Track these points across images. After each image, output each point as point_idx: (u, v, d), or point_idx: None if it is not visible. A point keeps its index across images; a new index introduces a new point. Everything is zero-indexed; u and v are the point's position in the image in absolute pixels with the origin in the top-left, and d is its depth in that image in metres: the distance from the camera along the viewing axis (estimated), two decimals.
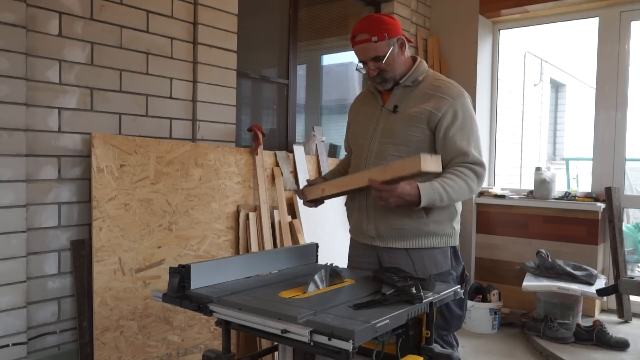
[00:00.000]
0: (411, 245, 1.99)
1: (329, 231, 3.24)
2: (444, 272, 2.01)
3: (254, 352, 2.03)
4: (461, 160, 1.94)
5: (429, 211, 1.95)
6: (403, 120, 1.99)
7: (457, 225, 2.07)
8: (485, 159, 2.00)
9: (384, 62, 1.95)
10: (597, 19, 4.27)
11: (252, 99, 3.52)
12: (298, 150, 3.29)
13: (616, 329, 3.73)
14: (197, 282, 1.69)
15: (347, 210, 2.20)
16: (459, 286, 1.94)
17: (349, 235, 2.24)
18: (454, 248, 2.07)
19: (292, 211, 3.15)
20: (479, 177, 1.94)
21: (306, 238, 3.06)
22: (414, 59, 2.08)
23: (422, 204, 1.82)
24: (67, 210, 2.32)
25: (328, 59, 4.45)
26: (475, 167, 1.94)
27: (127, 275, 2.38)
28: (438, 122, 1.94)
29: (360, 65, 2.05)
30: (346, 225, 2.23)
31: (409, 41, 2.02)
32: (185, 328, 2.59)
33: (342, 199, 2.26)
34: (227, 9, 2.93)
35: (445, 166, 1.96)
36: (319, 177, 2.28)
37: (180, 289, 1.65)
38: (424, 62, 2.11)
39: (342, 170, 2.32)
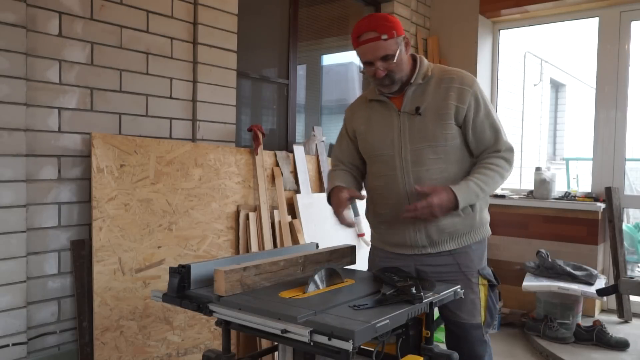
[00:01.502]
0: (463, 243, 1.98)
1: (329, 231, 3.24)
2: (485, 266, 2.03)
3: (254, 352, 2.03)
4: (493, 150, 1.94)
5: (474, 204, 1.96)
6: (432, 119, 1.91)
7: (488, 213, 2.10)
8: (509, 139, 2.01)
9: (394, 61, 1.85)
10: (597, 19, 4.27)
11: (252, 99, 3.52)
12: (298, 150, 3.29)
13: (616, 329, 3.73)
14: (197, 282, 1.69)
15: (379, 224, 2.09)
16: (495, 283, 2.03)
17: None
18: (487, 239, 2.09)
19: (292, 211, 3.15)
20: (510, 163, 1.96)
21: (306, 238, 3.06)
22: (413, 58, 2.01)
23: (460, 206, 1.84)
24: (67, 210, 2.32)
25: (328, 59, 4.45)
26: (507, 154, 1.95)
27: (127, 275, 2.38)
28: (465, 114, 1.91)
29: (363, 68, 1.92)
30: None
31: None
32: (185, 328, 2.59)
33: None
34: (227, 9, 2.93)
35: (477, 156, 1.97)
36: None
37: (180, 289, 1.66)
38: (424, 57, 2.03)
39: (354, 184, 2.12)
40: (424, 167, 1.92)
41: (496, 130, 1.95)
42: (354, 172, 2.16)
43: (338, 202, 1.95)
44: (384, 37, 1.83)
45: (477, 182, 1.87)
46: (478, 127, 1.93)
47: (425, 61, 2.00)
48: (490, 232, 2.09)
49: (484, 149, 1.96)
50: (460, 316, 1.97)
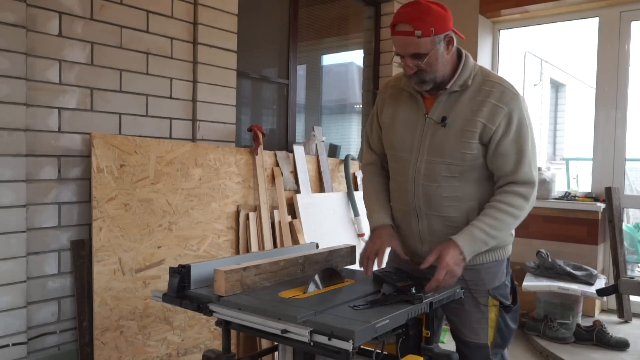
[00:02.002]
0: (472, 262, 1.80)
1: (329, 231, 3.24)
2: (500, 285, 1.86)
3: (254, 352, 2.03)
4: (508, 181, 1.74)
5: None
6: (454, 135, 1.73)
7: (513, 231, 1.89)
8: (536, 171, 1.78)
9: (424, 61, 1.67)
10: (597, 19, 4.27)
11: (252, 99, 3.52)
12: (298, 150, 3.29)
13: (616, 329, 3.73)
14: (197, 282, 1.69)
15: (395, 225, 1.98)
16: (510, 299, 1.88)
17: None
18: (508, 258, 1.92)
19: (292, 211, 3.15)
20: (527, 199, 1.73)
21: (306, 238, 3.06)
22: (459, 54, 1.80)
23: (467, 259, 1.69)
24: (67, 210, 2.32)
25: (328, 59, 4.45)
26: (523, 189, 1.73)
27: (127, 275, 2.38)
28: (492, 135, 1.71)
29: (397, 58, 1.75)
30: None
31: (458, 35, 1.75)
32: (185, 328, 2.59)
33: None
34: (227, 9, 2.93)
35: (496, 179, 1.79)
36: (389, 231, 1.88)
37: (180, 289, 1.65)
38: (470, 57, 1.81)
39: (388, 203, 1.99)
40: (435, 183, 1.77)
41: (519, 160, 1.72)
42: (386, 166, 2.00)
43: (374, 253, 1.82)
44: (418, 33, 1.63)
45: (484, 227, 1.69)
46: (501, 152, 1.72)
47: (470, 65, 1.79)
48: (510, 252, 1.91)
49: (500, 175, 1.76)
50: (464, 333, 1.87)
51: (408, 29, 1.65)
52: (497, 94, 1.72)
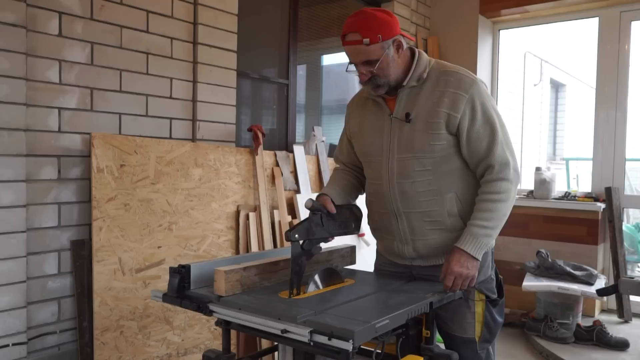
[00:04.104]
0: None
1: None
2: (486, 279, 1.88)
3: (254, 352, 2.03)
4: (485, 166, 1.77)
5: (466, 218, 1.80)
6: (421, 129, 1.76)
7: None
8: (513, 149, 1.81)
9: (375, 67, 1.72)
10: (597, 19, 4.27)
11: (252, 99, 3.52)
12: (298, 150, 3.29)
13: (616, 329, 3.73)
14: (197, 282, 1.69)
15: (374, 230, 2.02)
16: (497, 295, 1.89)
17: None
18: (492, 251, 1.93)
19: (292, 211, 3.15)
20: (510, 180, 1.75)
21: None
22: (412, 53, 1.83)
23: (478, 256, 1.73)
24: (67, 210, 2.32)
25: (328, 59, 4.46)
26: (501, 173, 1.75)
27: (127, 275, 2.38)
28: (458, 124, 1.74)
29: (352, 67, 1.80)
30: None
31: (407, 38, 1.79)
32: (185, 328, 2.59)
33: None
34: (227, 9, 2.93)
35: (474, 170, 1.82)
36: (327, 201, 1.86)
37: (180, 289, 1.65)
38: (424, 53, 1.85)
39: (345, 189, 2.01)
40: (409, 179, 1.80)
41: (492, 141, 1.75)
42: (356, 172, 2.08)
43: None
44: (366, 41, 1.68)
45: (479, 223, 1.73)
46: (473, 138, 1.75)
47: (424, 60, 1.82)
48: (494, 244, 1.91)
49: (476, 161, 1.78)
50: (452, 328, 1.88)
51: (356, 38, 1.70)
52: (455, 82, 1.76)
